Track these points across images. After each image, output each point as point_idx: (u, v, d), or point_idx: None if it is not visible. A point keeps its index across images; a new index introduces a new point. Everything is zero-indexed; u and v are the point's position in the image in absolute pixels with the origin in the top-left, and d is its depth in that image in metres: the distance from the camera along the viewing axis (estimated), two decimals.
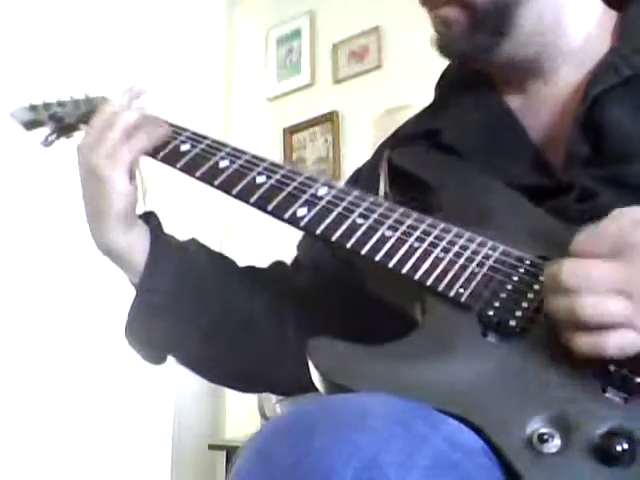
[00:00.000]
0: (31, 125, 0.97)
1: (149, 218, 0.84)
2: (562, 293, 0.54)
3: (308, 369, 0.61)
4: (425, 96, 0.96)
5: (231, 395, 2.75)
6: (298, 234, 0.81)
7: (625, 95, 0.73)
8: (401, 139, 0.90)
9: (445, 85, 0.91)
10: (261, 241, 2.69)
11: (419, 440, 0.47)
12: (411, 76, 2.39)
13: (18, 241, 2.87)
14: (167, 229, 0.85)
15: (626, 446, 0.48)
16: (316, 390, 0.64)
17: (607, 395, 0.53)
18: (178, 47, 2.95)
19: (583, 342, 0.53)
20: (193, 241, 0.86)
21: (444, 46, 0.79)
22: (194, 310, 0.81)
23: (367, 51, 2.67)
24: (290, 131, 2.81)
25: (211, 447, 2.47)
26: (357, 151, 2.55)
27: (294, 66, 2.88)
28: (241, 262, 0.89)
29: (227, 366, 0.85)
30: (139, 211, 0.82)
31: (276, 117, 2.87)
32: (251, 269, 0.89)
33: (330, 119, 2.71)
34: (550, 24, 0.77)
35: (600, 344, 0.53)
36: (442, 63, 0.93)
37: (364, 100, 2.60)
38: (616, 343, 0.52)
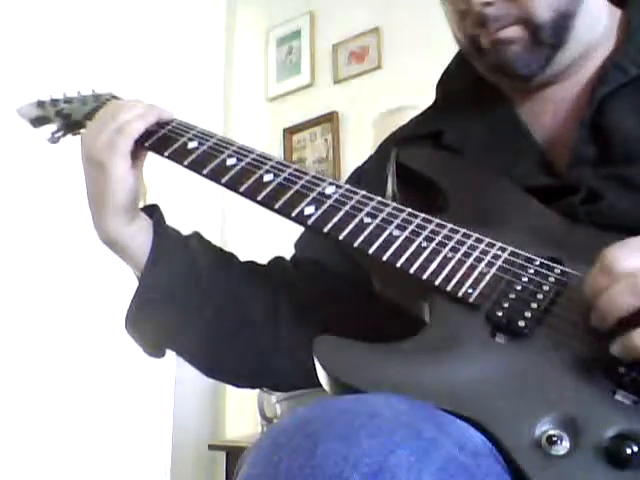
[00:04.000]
0: (38, 122, 0.96)
1: (152, 212, 0.83)
2: (618, 278, 0.52)
3: (301, 366, 0.60)
4: (425, 97, 0.95)
5: (231, 395, 2.74)
6: (295, 229, 0.80)
7: (632, 95, 0.73)
8: (403, 140, 0.90)
9: (447, 86, 0.91)
10: (260, 236, 2.68)
11: (428, 444, 0.47)
12: (411, 76, 2.39)
13: (18, 238, 2.86)
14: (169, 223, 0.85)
15: (636, 449, 0.48)
16: (311, 386, 0.63)
17: (617, 397, 0.52)
18: (178, 47, 2.95)
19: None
20: (195, 235, 0.86)
21: (503, 64, 0.77)
22: (194, 305, 0.81)
23: (367, 51, 2.67)
24: (290, 131, 2.81)
25: (211, 447, 2.47)
26: (357, 151, 2.55)
27: (294, 66, 2.87)
28: (241, 256, 0.89)
29: (224, 361, 0.85)
30: (142, 205, 0.83)
31: (276, 117, 2.87)
32: (251, 264, 0.89)
33: (330, 119, 2.70)
34: (590, 32, 0.78)
35: None
36: (442, 64, 0.93)
37: (364, 100, 2.59)
38: None
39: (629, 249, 0.54)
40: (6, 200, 2.82)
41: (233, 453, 2.31)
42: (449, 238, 0.67)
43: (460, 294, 0.62)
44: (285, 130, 2.81)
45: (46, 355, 2.87)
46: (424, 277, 0.64)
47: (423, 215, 0.69)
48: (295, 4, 2.91)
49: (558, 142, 0.77)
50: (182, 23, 2.98)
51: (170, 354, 0.86)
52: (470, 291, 0.62)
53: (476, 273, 0.63)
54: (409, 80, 2.38)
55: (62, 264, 2.93)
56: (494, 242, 0.66)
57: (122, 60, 2.91)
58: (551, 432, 0.50)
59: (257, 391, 2.34)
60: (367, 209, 0.70)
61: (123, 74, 2.82)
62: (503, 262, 0.64)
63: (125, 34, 3.03)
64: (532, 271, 0.63)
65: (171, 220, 0.86)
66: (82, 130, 0.95)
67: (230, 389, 2.75)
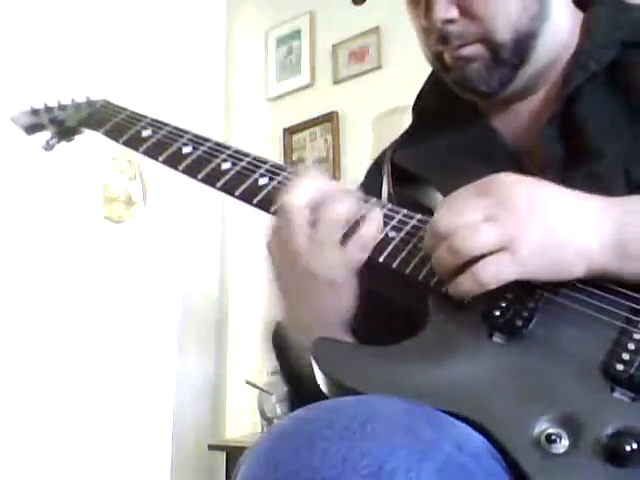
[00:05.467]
0: (32, 129, 0.97)
1: None
2: (441, 240, 0.59)
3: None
4: None
5: (231, 395, 2.74)
6: None
7: (595, 90, 0.74)
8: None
9: (422, 109, 0.91)
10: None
11: (427, 445, 0.47)
12: (411, 76, 2.37)
13: (19, 243, 2.87)
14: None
15: (635, 446, 0.48)
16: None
17: (615, 395, 0.53)
18: (178, 47, 2.95)
19: (463, 280, 0.58)
20: None
21: (465, 81, 0.78)
22: None
23: (367, 51, 2.67)
24: (290, 131, 2.81)
25: (211, 447, 2.47)
26: (357, 151, 2.55)
27: (294, 66, 2.87)
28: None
29: None
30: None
31: (276, 117, 2.87)
32: None
33: (330, 119, 2.70)
34: (554, 46, 0.78)
35: (478, 274, 0.57)
36: None
37: (364, 100, 2.59)
38: (492, 269, 0.56)
39: (448, 207, 0.61)
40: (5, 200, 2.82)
41: (233, 453, 2.31)
42: None
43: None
44: (285, 130, 2.81)
45: (47, 359, 2.86)
46: (420, 278, 0.65)
47: (419, 216, 0.70)
48: (295, 4, 2.91)
49: (531, 147, 0.78)
50: (182, 23, 2.98)
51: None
52: None
53: None
54: (409, 80, 2.37)
55: (63, 264, 2.93)
56: None
57: (122, 61, 2.91)
58: (550, 430, 0.51)
59: (257, 391, 2.34)
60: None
61: (123, 75, 2.82)
62: None
63: (125, 35, 3.03)
64: None
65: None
66: (77, 136, 0.96)
67: (230, 389, 2.75)
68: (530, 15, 0.75)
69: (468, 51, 0.75)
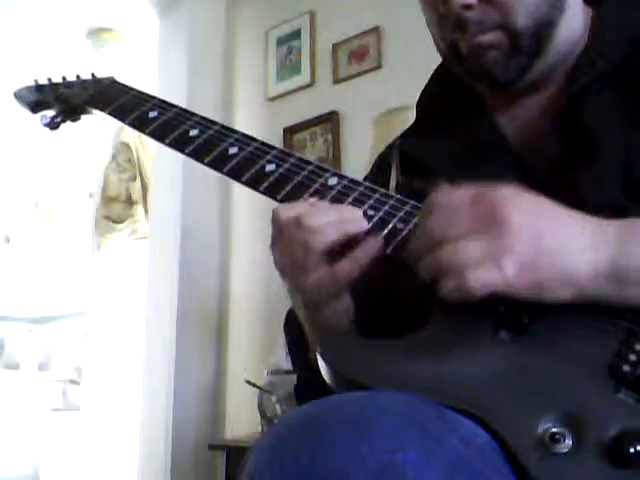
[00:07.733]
0: (37, 106, 0.95)
1: None
2: (430, 247, 0.59)
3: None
4: None
5: (231, 395, 2.74)
6: None
7: (603, 90, 0.73)
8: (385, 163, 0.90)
9: (426, 105, 0.90)
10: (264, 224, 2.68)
11: (435, 441, 0.47)
12: (411, 76, 2.38)
13: (15, 243, 2.87)
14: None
15: (639, 448, 0.48)
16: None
17: (620, 396, 0.53)
18: (177, 47, 2.95)
19: (448, 285, 0.57)
20: None
21: (482, 70, 0.77)
22: None
23: (367, 51, 2.66)
24: (290, 131, 2.80)
25: (211, 447, 2.47)
26: (357, 151, 2.54)
27: (294, 66, 2.87)
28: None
29: None
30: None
31: (276, 117, 2.87)
32: None
33: (330, 119, 2.70)
34: (569, 39, 0.78)
35: (463, 283, 0.56)
36: None
37: (364, 100, 2.59)
38: (477, 280, 0.56)
39: (440, 212, 0.60)
40: None
41: (233, 453, 2.31)
42: None
43: None
44: (285, 130, 2.81)
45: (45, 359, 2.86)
46: None
47: None
48: (295, 4, 2.91)
49: (536, 144, 0.78)
50: (181, 23, 2.98)
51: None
52: None
53: None
54: (409, 80, 2.37)
55: (62, 263, 2.93)
56: None
57: (121, 60, 2.91)
58: (554, 430, 0.51)
59: (257, 391, 2.34)
60: (370, 202, 0.70)
61: (123, 76, 2.82)
62: None
63: (124, 34, 3.03)
64: None
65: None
66: (83, 116, 0.94)
67: (230, 389, 2.75)
68: (548, 3, 0.74)
69: (486, 38, 0.74)
